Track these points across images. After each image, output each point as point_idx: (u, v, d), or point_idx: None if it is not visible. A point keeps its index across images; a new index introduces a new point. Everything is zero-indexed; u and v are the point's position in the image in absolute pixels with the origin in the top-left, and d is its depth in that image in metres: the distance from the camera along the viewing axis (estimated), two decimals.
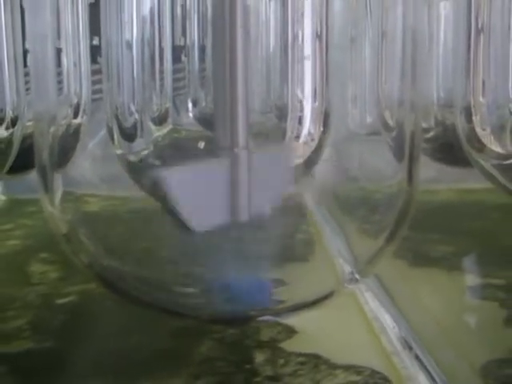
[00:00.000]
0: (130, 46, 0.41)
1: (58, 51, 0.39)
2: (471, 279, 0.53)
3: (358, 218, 0.41)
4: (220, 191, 0.34)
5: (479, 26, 0.46)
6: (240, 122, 0.34)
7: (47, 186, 0.37)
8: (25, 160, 0.48)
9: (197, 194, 0.35)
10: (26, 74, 0.48)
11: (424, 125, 0.56)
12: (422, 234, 0.59)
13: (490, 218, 0.67)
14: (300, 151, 0.42)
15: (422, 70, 0.47)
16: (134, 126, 0.42)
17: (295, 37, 0.41)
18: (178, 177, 0.36)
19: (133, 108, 0.42)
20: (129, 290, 0.38)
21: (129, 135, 0.42)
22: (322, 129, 0.42)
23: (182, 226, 0.36)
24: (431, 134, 0.56)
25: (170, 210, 0.36)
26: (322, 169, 0.43)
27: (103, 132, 0.42)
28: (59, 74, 0.39)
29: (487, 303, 0.48)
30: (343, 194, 0.43)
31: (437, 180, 0.65)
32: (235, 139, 0.34)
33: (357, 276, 0.40)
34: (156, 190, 0.39)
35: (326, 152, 0.42)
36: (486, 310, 0.47)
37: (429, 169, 0.55)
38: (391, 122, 0.40)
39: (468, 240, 0.60)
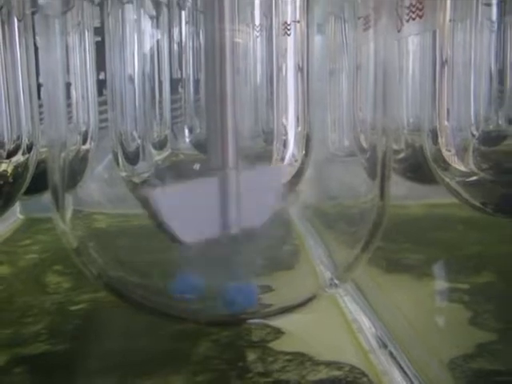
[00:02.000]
0: (132, 79, 0.41)
1: (68, 85, 0.39)
2: (439, 284, 0.53)
3: (337, 230, 0.41)
4: (210, 207, 0.34)
5: (443, 58, 0.46)
6: (230, 144, 0.34)
7: (59, 205, 0.37)
8: (40, 182, 0.48)
9: (186, 209, 0.35)
10: (40, 106, 0.48)
11: (395, 147, 0.56)
12: (394, 244, 0.59)
13: (455, 229, 0.66)
14: (285, 171, 0.42)
15: (393, 99, 0.47)
16: (137, 151, 0.42)
17: (279, 69, 0.41)
18: (166, 194, 0.36)
19: (135, 135, 0.42)
20: (134, 298, 0.38)
21: (132, 159, 0.42)
22: (304, 151, 0.42)
23: (172, 239, 0.36)
24: (402, 155, 0.56)
25: (159, 225, 0.36)
26: (304, 187, 0.43)
27: (109, 157, 0.42)
28: (69, 105, 0.40)
29: (454, 305, 0.47)
30: (324, 210, 0.43)
31: (407, 196, 0.65)
32: (225, 160, 0.34)
33: (336, 281, 0.40)
34: (147, 207, 0.39)
35: (308, 172, 0.43)
36: (453, 311, 0.47)
37: (400, 186, 0.55)
38: (365, 145, 0.40)
39: (436, 249, 0.60)
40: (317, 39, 0.45)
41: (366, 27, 0.38)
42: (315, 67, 0.43)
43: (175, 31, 0.43)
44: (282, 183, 0.40)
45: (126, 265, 0.39)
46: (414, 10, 0.46)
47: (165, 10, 0.43)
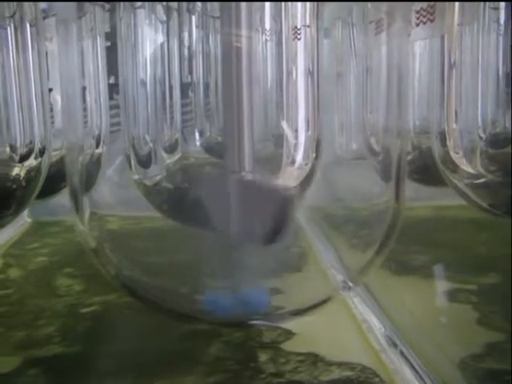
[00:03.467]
0: (143, 83, 0.41)
1: (83, 89, 0.40)
2: (447, 285, 0.54)
3: (349, 233, 0.42)
4: (233, 210, 0.35)
5: (452, 61, 0.47)
6: (246, 148, 0.34)
7: (78, 207, 0.38)
8: (49, 186, 0.49)
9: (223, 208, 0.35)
10: (50, 110, 0.49)
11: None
12: (403, 246, 0.59)
13: (463, 231, 0.67)
14: (295, 175, 0.42)
15: (407, 101, 0.47)
16: (149, 155, 0.42)
17: (289, 74, 0.41)
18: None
19: (147, 138, 0.42)
20: (149, 298, 0.39)
21: (144, 162, 0.42)
22: (314, 154, 0.42)
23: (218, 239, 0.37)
24: (409, 157, 0.56)
25: (193, 225, 0.37)
26: (314, 190, 0.43)
27: (119, 160, 0.42)
28: (84, 109, 0.40)
29: (462, 306, 0.48)
30: (333, 213, 0.44)
31: (415, 198, 0.65)
32: (242, 164, 0.34)
33: (350, 284, 0.40)
34: (162, 208, 0.39)
35: (319, 175, 0.43)
36: (461, 311, 0.47)
37: (408, 188, 0.56)
38: (377, 148, 0.40)
39: (444, 251, 0.61)
40: (326, 43, 0.45)
41: (377, 31, 0.39)
42: (325, 71, 0.44)
43: (185, 36, 0.44)
44: (292, 186, 0.41)
45: (141, 265, 0.39)
46: (425, 14, 0.46)
47: (175, 14, 0.43)
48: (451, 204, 0.57)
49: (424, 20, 0.46)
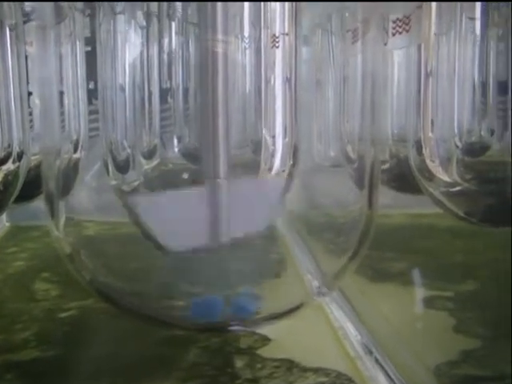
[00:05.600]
0: (122, 89, 0.41)
1: (61, 94, 0.40)
2: (424, 292, 0.54)
3: (324, 239, 0.42)
4: (199, 216, 0.35)
5: (428, 70, 0.47)
6: (221, 154, 0.34)
7: (53, 213, 0.38)
8: (27, 190, 0.49)
9: (173, 217, 0.35)
10: (29, 114, 0.49)
11: (380, 157, 0.57)
12: (379, 252, 0.60)
13: (439, 238, 0.67)
14: (273, 182, 0.42)
15: (381, 110, 0.47)
16: (127, 160, 0.42)
17: (268, 81, 0.42)
18: (153, 202, 0.36)
19: (125, 144, 0.42)
20: (124, 304, 0.39)
21: (122, 168, 0.42)
22: (291, 161, 0.42)
23: (159, 247, 0.37)
24: (387, 165, 0.56)
25: (145, 233, 0.37)
26: (291, 197, 0.43)
27: (98, 165, 0.42)
28: (62, 113, 0.40)
29: (438, 313, 0.48)
30: (310, 219, 0.44)
31: (392, 206, 0.66)
32: (217, 170, 0.35)
33: (324, 290, 0.40)
34: (133, 215, 0.39)
35: (297, 181, 0.43)
36: (437, 318, 0.47)
37: (385, 196, 0.56)
38: (352, 155, 0.41)
39: (421, 258, 0.61)
40: (304, 50, 0.45)
41: (354, 40, 0.39)
42: (302, 78, 0.44)
43: (165, 42, 0.43)
44: (271, 194, 0.41)
45: (116, 271, 0.39)
46: (400, 24, 0.46)
47: (155, 20, 0.43)
48: (429, 212, 0.57)
49: (400, 30, 0.46)
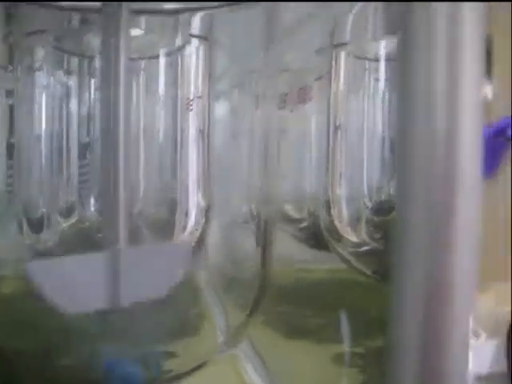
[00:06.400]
0: (39, 143, 0.41)
1: None
2: (335, 348, 0.54)
3: (232, 294, 0.42)
4: (97, 280, 0.34)
5: (337, 123, 0.48)
6: (121, 220, 0.34)
7: None
8: None
9: (71, 282, 0.35)
10: None
11: (298, 216, 0.58)
12: (296, 308, 0.60)
13: (354, 293, 0.68)
14: (186, 240, 0.42)
15: (295, 166, 0.48)
16: (42, 218, 0.42)
17: (182, 142, 0.42)
18: (46, 268, 0.36)
19: (41, 201, 0.42)
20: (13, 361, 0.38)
21: (36, 226, 0.42)
22: (204, 219, 0.43)
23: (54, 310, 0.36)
24: (304, 224, 0.57)
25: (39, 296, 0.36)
26: (206, 253, 0.44)
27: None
28: None
29: (349, 370, 0.49)
30: (224, 274, 0.44)
31: (310, 262, 0.66)
32: (117, 235, 0.34)
33: (229, 344, 0.41)
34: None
35: (213, 237, 0.43)
36: (348, 375, 0.48)
37: (304, 253, 0.57)
38: (254, 213, 0.41)
39: (335, 314, 0.61)
40: (221, 109, 0.46)
41: (257, 104, 0.40)
42: (217, 136, 0.45)
43: (84, 97, 0.44)
44: (174, 257, 0.41)
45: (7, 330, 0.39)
46: (302, 94, 0.47)
47: (75, 77, 0.44)
48: (342, 267, 0.58)
49: (304, 98, 0.47)
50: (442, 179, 0.24)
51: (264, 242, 0.38)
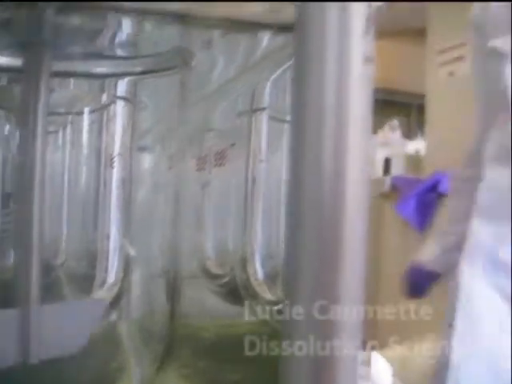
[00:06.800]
0: None
1: None
2: None
3: (145, 346, 0.43)
4: (12, 337, 0.34)
5: (253, 183, 0.48)
6: (34, 276, 0.34)
7: None
8: None
9: None
10: None
11: (221, 272, 0.58)
12: (218, 363, 0.60)
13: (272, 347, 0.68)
14: (103, 296, 0.43)
15: (217, 224, 0.49)
16: None
17: (104, 196, 0.43)
18: None
19: None
20: None
21: None
22: (123, 274, 0.43)
23: None
24: (226, 279, 0.57)
25: None
26: (126, 306, 0.44)
27: None
28: None
29: None
30: (136, 327, 0.45)
31: (232, 316, 0.66)
32: (29, 293, 0.34)
33: None
34: None
35: (129, 292, 0.44)
36: None
37: (226, 308, 0.57)
38: (167, 268, 0.42)
39: (254, 368, 0.62)
40: (146, 163, 0.47)
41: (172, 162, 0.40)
42: (140, 190, 0.45)
43: (11, 146, 0.44)
44: (92, 315, 0.41)
45: None
46: (218, 157, 0.48)
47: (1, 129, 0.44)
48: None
49: (217, 163, 0.48)
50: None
51: (172, 297, 0.39)
